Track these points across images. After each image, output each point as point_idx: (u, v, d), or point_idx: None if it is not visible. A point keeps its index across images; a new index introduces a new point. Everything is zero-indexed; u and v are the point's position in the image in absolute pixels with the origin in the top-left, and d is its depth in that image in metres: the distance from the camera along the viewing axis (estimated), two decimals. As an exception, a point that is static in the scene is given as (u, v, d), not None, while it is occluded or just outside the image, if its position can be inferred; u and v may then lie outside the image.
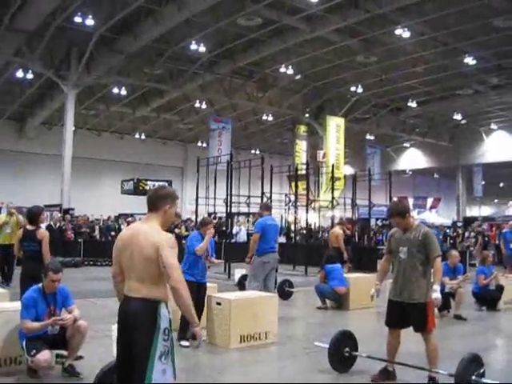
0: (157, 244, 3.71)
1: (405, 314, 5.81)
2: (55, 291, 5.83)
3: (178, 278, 3.69)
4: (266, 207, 10.22)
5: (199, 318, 4.63)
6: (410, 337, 6.05)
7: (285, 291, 12.12)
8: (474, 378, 5.26)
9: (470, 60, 25.43)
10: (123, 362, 3.79)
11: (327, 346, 6.30)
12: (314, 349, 7.01)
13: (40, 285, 5.82)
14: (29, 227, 7.75)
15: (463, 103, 34.01)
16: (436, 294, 5.60)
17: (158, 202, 3.94)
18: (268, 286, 9.37)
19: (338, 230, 15.99)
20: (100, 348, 6.49)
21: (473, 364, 5.36)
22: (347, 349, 6.31)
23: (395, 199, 32.27)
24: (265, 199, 18.72)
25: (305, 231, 24.56)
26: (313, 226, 25.13)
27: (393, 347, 6.03)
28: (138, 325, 3.66)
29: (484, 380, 5.29)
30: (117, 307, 3.85)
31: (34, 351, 5.46)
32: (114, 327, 4.80)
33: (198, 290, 7.54)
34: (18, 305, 5.95)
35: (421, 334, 5.81)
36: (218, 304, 7.61)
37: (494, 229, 28.98)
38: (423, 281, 5.73)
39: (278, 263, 10.26)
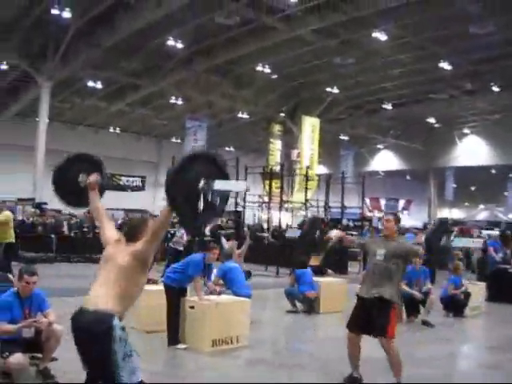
0: None
1: (369, 313, 5.84)
2: (31, 295, 5.73)
3: None
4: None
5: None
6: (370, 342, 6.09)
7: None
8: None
9: (445, 65, 25.68)
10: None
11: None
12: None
13: (15, 288, 5.73)
14: None
15: (437, 107, 34.36)
16: None
17: None
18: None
19: None
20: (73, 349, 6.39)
21: None
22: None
23: (367, 200, 32.33)
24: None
25: (276, 232, 24.06)
26: (284, 226, 24.92)
27: (354, 352, 6.06)
28: None
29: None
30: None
31: (7, 354, 5.37)
32: None
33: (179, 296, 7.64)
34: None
35: (381, 343, 5.80)
36: (191, 308, 7.59)
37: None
38: (394, 283, 5.84)
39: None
